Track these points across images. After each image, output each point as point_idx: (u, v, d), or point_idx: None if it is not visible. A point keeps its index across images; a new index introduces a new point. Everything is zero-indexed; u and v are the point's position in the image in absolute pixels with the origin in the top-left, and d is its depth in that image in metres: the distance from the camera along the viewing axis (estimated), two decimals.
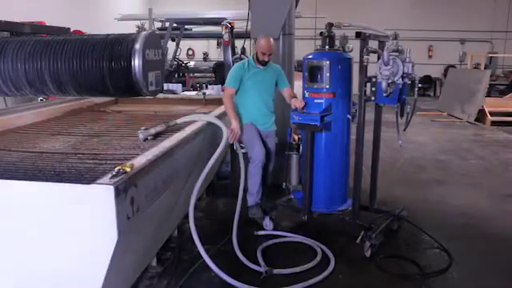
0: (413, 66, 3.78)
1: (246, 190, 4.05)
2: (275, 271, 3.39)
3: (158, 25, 10.19)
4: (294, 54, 5.49)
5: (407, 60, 3.75)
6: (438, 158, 7.13)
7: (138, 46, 2.52)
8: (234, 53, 8.48)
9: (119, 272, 2.40)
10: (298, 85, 4.69)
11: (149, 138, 3.19)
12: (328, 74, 4.09)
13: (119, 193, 2.02)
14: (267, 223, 4.21)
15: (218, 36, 9.88)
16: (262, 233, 4.11)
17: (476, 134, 9.47)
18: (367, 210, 4.33)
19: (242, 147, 4.13)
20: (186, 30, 10.07)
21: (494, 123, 10.30)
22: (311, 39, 13.35)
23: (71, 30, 6.75)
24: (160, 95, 5.31)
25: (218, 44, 15.15)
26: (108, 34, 2.65)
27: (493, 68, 15.05)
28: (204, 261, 3.13)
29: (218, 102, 5.39)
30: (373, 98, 3.92)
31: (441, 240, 3.95)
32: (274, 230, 4.19)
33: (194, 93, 6.86)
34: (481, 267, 3.60)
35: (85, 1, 12.40)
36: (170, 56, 9.64)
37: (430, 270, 3.51)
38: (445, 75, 15.07)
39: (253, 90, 4.24)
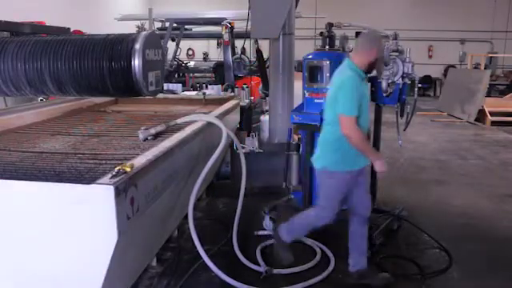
0: (413, 66, 3.80)
1: (246, 192, 3.85)
2: (275, 271, 3.39)
3: (158, 25, 10.18)
4: (293, 54, 5.49)
5: (407, 60, 3.77)
6: (438, 158, 7.13)
7: (138, 45, 2.52)
8: (234, 53, 8.48)
9: (119, 272, 2.40)
10: (298, 85, 4.69)
11: (149, 138, 3.19)
12: (328, 74, 4.08)
13: (119, 193, 2.02)
14: (267, 223, 4.21)
15: (218, 36, 9.88)
16: (261, 233, 4.12)
17: (476, 133, 9.47)
18: None
19: (243, 147, 4.10)
20: (186, 29, 10.06)
21: (493, 123, 10.31)
22: (311, 39, 13.35)
23: (71, 30, 6.75)
24: (160, 95, 5.31)
25: (218, 44, 15.14)
26: (108, 34, 2.66)
27: (493, 68, 15.05)
28: (204, 261, 3.13)
29: (217, 101, 5.40)
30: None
31: (441, 240, 3.95)
32: (274, 229, 4.19)
33: (194, 93, 6.85)
34: (481, 267, 3.60)
35: (85, 1, 12.39)
36: (170, 56, 9.64)
37: (429, 270, 3.51)
38: (445, 75, 15.07)
39: (365, 115, 3.19)
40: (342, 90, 3.07)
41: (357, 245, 3.35)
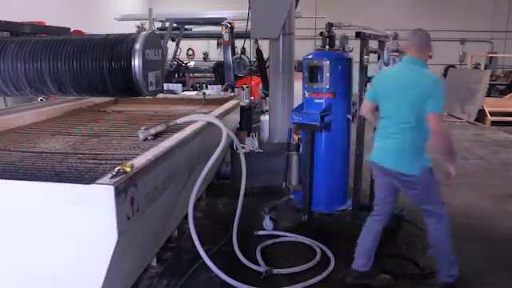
0: None
1: (246, 192, 3.81)
2: (275, 271, 3.39)
3: (158, 25, 10.18)
4: (293, 54, 5.49)
5: None
6: (437, 158, 7.11)
7: (138, 45, 2.52)
8: (234, 53, 8.48)
9: (119, 272, 2.40)
10: (298, 85, 4.69)
11: (149, 138, 3.19)
12: (328, 74, 4.09)
13: (119, 193, 2.02)
14: (267, 223, 4.21)
15: (218, 36, 9.88)
16: (262, 233, 4.12)
17: (476, 133, 9.47)
18: (367, 209, 4.32)
19: (243, 147, 4.09)
20: (186, 30, 10.06)
21: (493, 123, 10.30)
22: (311, 39, 13.35)
23: (71, 30, 6.74)
24: (160, 95, 5.31)
25: (218, 44, 15.13)
26: (108, 34, 2.66)
27: (493, 68, 15.04)
28: (204, 261, 3.13)
29: (217, 101, 5.40)
30: None
31: None
32: (274, 229, 4.19)
33: (193, 93, 6.85)
34: (481, 267, 3.60)
35: (85, 1, 12.39)
36: (170, 56, 9.64)
37: (429, 270, 3.51)
38: (445, 75, 15.05)
39: None
40: (437, 89, 3.03)
41: (372, 250, 3.30)
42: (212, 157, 3.26)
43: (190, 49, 16.93)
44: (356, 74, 4.08)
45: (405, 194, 3.29)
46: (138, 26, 9.17)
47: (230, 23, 8.14)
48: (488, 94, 11.77)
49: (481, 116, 10.63)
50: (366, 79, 3.88)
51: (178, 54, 10.06)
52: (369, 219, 3.37)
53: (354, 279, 3.32)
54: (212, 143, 3.42)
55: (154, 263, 3.45)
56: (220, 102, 5.34)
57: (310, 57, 4.26)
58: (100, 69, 2.53)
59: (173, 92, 6.77)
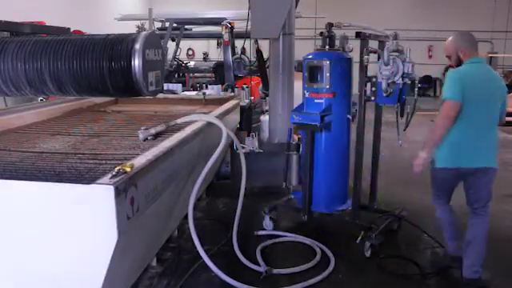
0: (413, 66, 3.80)
1: (246, 192, 3.77)
2: (275, 271, 3.40)
3: (158, 25, 10.18)
4: (293, 54, 5.49)
5: (407, 60, 3.77)
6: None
7: (138, 45, 2.52)
8: (234, 53, 8.48)
9: (119, 272, 2.40)
10: (298, 85, 4.69)
11: (149, 138, 3.19)
12: (328, 74, 4.09)
13: (119, 193, 2.02)
14: (267, 223, 4.22)
15: (218, 36, 9.88)
16: (262, 233, 4.12)
17: None
18: (367, 209, 4.33)
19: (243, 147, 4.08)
20: (186, 30, 10.06)
21: None
22: (311, 39, 13.35)
23: (71, 30, 6.75)
24: (160, 95, 5.31)
25: (218, 44, 15.13)
26: (108, 34, 2.65)
27: (493, 68, 15.01)
28: (204, 261, 3.13)
29: (217, 101, 5.40)
30: (373, 98, 3.93)
31: (441, 240, 3.95)
32: (274, 229, 4.20)
33: (193, 93, 6.85)
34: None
35: (85, 1, 12.39)
36: (170, 56, 9.64)
37: (429, 270, 3.51)
38: (445, 75, 15.06)
39: None
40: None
41: (457, 232, 3.54)
42: (212, 157, 3.26)
43: (190, 49, 16.94)
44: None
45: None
46: (138, 26, 9.17)
47: (230, 23, 8.13)
48: None
49: None
50: (366, 79, 3.88)
51: (178, 53, 10.05)
52: (438, 210, 3.54)
53: (448, 261, 3.53)
54: (212, 143, 3.42)
55: (154, 263, 3.46)
56: (220, 101, 5.34)
57: (310, 57, 4.26)
58: (100, 69, 2.52)
59: (173, 92, 6.76)
